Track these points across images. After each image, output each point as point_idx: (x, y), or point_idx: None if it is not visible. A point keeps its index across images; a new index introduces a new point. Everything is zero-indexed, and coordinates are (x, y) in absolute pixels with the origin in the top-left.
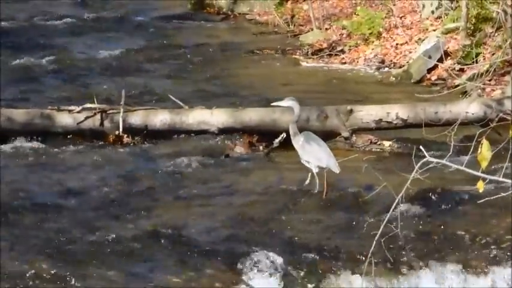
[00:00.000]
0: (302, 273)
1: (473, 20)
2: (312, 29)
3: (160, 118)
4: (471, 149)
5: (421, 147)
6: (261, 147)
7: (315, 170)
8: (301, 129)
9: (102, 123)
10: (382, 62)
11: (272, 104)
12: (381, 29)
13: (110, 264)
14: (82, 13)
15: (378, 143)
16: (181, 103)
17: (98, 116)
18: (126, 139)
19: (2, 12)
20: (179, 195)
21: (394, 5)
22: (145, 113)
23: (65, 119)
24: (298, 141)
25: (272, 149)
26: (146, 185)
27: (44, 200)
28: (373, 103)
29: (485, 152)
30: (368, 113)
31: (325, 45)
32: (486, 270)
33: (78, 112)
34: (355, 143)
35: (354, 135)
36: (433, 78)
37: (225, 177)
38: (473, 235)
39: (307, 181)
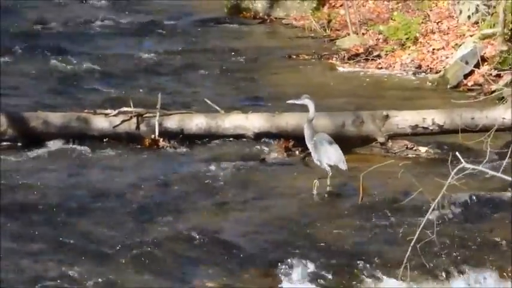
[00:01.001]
0: (337, 278)
1: (511, 25)
2: (349, 34)
3: (196, 122)
4: (508, 155)
5: (457, 153)
6: (297, 152)
7: (327, 169)
8: (337, 134)
9: (138, 127)
10: (419, 67)
11: (287, 101)
12: (417, 34)
13: (146, 267)
14: (119, 17)
15: (414, 148)
16: (217, 107)
17: (134, 120)
18: (162, 143)
19: (39, 16)
20: (215, 199)
21: (430, 10)
22: (181, 117)
23: (101, 122)
24: (311, 141)
25: (308, 153)
26: (182, 189)
27: (80, 203)
28: (409, 108)
29: None
30: (404, 119)
31: (361, 50)
32: None
33: (115, 116)
34: (391, 149)
35: (389, 140)
36: (470, 83)
37: (261, 181)
38: (510, 242)
39: (328, 183)
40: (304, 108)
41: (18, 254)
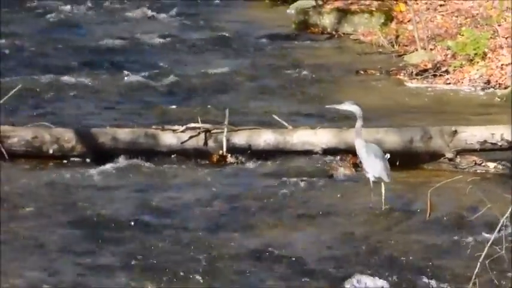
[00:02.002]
0: None
1: None
2: (417, 49)
3: (264, 138)
4: None
5: None
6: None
7: (371, 179)
8: (405, 150)
9: (206, 143)
10: (487, 82)
11: (327, 106)
12: (486, 50)
13: (213, 283)
14: (186, 33)
15: (483, 164)
16: (285, 123)
17: (202, 136)
18: (229, 159)
19: (105, 30)
20: (282, 215)
21: (499, 25)
22: (249, 132)
23: (169, 138)
24: (360, 150)
25: None
26: (249, 205)
27: (148, 219)
28: (478, 124)
29: None
30: (472, 134)
31: (429, 65)
32: None
33: (182, 132)
34: (459, 164)
35: (458, 156)
36: None
37: (329, 197)
38: None
39: (383, 195)
40: (371, 124)
41: (87, 269)
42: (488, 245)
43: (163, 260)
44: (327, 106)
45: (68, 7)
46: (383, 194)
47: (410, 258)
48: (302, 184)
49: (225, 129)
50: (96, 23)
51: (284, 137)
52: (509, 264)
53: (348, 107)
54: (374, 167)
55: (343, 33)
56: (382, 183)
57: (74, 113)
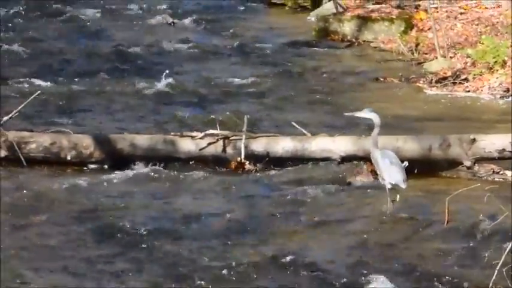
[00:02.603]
0: None
1: None
2: (436, 57)
3: (282, 145)
4: None
5: None
6: None
7: (388, 187)
8: (424, 158)
9: (224, 150)
10: (507, 90)
11: (345, 114)
12: (505, 58)
13: None
14: (206, 39)
15: (501, 172)
16: (303, 130)
17: (221, 143)
18: (248, 166)
19: (125, 36)
20: (301, 222)
21: None
22: (267, 139)
23: (188, 145)
24: (376, 158)
25: None
26: (268, 212)
27: (166, 225)
28: (497, 132)
29: None
30: (491, 142)
31: (449, 73)
32: None
33: (201, 138)
34: (478, 173)
35: (476, 164)
36: None
37: (347, 205)
38: None
39: (391, 203)
40: (390, 132)
41: (104, 275)
42: (506, 252)
43: (181, 267)
44: (345, 114)
45: (89, 13)
46: (397, 201)
47: (428, 265)
48: (320, 191)
49: (244, 136)
50: (116, 30)
51: (302, 144)
52: None
53: (366, 114)
54: (390, 174)
55: (364, 41)
56: (396, 191)
57: (92, 119)
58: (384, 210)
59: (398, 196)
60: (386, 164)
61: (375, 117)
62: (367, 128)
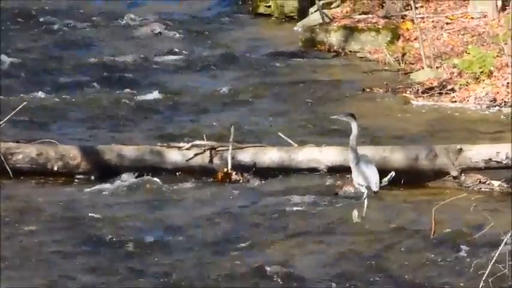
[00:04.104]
0: None
1: None
2: (423, 67)
3: (269, 156)
4: None
5: None
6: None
7: (361, 190)
8: (410, 168)
9: (211, 160)
10: (493, 100)
11: (331, 117)
12: (492, 68)
13: None
14: (192, 50)
15: (487, 182)
16: (290, 141)
17: (207, 153)
18: (234, 176)
19: (112, 48)
20: (287, 232)
21: (505, 43)
22: (254, 150)
23: (175, 155)
24: (353, 162)
25: (381, 187)
26: (255, 222)
27: (153, 236)
28: (483, 142)
29: None
30: (477, 152)
31: (435, 83)
32: None
33: (188, 149)
34: (464, 183)
35: (462, 174)
36: None
37: (333, 215)
38: None
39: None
40: (377, 142)
41: (90, 286)
42: (492, 262)
43: (167, 277)
44: (331, 117)
45: (75, 25)
46: (365, 206)
47: (414, 276)
48: (307, 202)
49: (230, 147)
50: (103, 41)
51: (289, 155)
52: None
53: (346, 119)
54: (363, 176)
55: (350, 51)
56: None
57: (79, 130)
58: (371, 220)
59: (366, 201)
60: (359, 167)
61: (352, 122)
62: None
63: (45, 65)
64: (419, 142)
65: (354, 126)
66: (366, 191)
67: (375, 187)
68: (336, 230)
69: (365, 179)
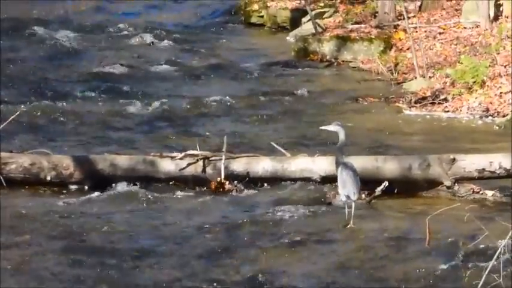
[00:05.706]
0: None
1: None
2: (416, 77)
3: (262, 165)
4: None
5: None
6: (363, 195)
7: (342, 198)
8: (403, 178)
9: (204, 170)
10: (486, 110)
11: (320, 127)
12: (484, 78)
13: None
14: (185, 59)
15: (481, 192)
16: (283, 150)
17: (200, 163)
18: (228, 186)
19: (104, 57)
20: (280, 242)
21: (498, 53)
22: (247, 160)
23: (168, 165)
24: (336, 170)
25: (375, 197)
26: (247, 232)
27: (146, 246)
28: (476, 152)
29: None
30: (471, 162)
31: (428, 93)
32: None
33: (181, 159)
34: (458, 192)
35: (456, 184)
36: None
37: (327, 225)
38: None
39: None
40: (369, 152)
41: None
42: (486, 272)
43: (161, 287)
44: (320, 128)
45: (68, 34)
46: (350, 214)
47: (408, 286)
48: (300, 211)
49: (223, 157)
50: (95, 50)
51: (282, 165)
52: None
53: (333, 128)
54: (344, 184)
55: (343, 61)
56: (352, 204)
57: (72, 140)
58: (365, 230)
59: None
60: (342, 175)
61: (339, 130)
62: (347, 148)
63: (36, 75)
64: (412, 152)
65: (342, 134)
66: (346, 200)
67: (353, 196)
68: (329, 240)
69: (344, 187)
